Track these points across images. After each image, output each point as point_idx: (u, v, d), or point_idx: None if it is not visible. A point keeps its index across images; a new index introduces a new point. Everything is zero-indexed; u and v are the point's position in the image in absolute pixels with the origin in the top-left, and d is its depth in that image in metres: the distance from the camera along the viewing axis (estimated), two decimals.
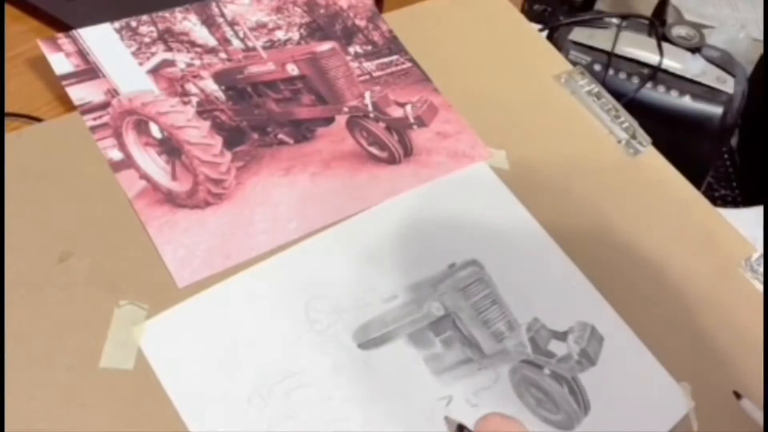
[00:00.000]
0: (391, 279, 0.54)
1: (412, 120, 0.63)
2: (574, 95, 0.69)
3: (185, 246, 0.51)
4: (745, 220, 0.82)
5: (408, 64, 0.67)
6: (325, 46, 0.64)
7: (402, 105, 0.64)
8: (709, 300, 0.60)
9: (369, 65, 0.65)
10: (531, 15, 1.07)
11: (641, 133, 0.68)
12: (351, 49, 0.66)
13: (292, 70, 0.62)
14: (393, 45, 0.68)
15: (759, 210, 0.86)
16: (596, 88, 0.70)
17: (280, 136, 0.59)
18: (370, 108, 0.62)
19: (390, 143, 0.61)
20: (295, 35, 0.65)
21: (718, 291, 0.60)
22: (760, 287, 0.61)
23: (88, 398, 0.45)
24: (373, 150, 0.60)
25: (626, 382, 0.54)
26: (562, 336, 0.54)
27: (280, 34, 0.65)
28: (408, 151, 0.61)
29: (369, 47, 0.67)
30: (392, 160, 0.60)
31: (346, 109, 0.62)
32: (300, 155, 0.58)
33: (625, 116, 0.68)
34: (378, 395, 0.49)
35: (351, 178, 0.58)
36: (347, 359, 0.50)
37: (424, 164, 0.61)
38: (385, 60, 0.66)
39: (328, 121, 0.61)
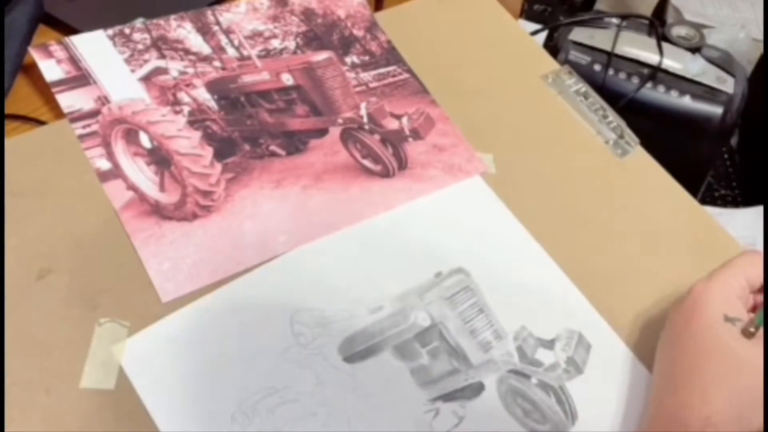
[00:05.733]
0: (377, 289, 0.53)
1: (407, 132, 0.62)
2: (561, 95, 0.68)
3: (171, 259, 0.50)
4: (745, 220, 0.83)
5: (405, 75, 0.66)
6: (322, 55, 0.63)
7: (398, 117, 0.63)
8: None
9: (366, 76, 0.65)
10: (531, 15, 1.06)
11: (629, 134, 0.67)
12: (348, 59, 0.65)
13: (287, 79, 0.61)
14: (391, 55, 0.67)
15: (759, 210, 0.85)
16: (584, 87, 0.69)
17: (272, 147, 0.58)
18: (365, 119, 0.61)
19: (384, 156, 0.60)
20: (291, 44, 0.64)
21: None
22: None
23: (69, 420, 0.44)
24: (367, 163, 0.59)
25: (614, 390, 0.52)
26: (549, 344, 0.53)
27: (275, 43, 0.64)
28: (402, 164, 0.60)
29: (366, 57, 0.66)
30: (386, 174, 0.59)
31: (340, 121, 0.61)
32: (292, 168, 0.57)
33: (613, 116, 0.67)
34: (364, 409, 0.48)
35: (343, 192, 0.57)
36: (332, 373, 0.49)
37: (418, 178, 0.60)
38: (383, 70, 0.66)
39: (322, 132, 0.60)
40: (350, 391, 0.49)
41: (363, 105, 0.62)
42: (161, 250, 0.50)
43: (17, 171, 0.52)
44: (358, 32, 0.67)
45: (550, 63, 0.72)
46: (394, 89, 0.65)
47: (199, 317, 0.49)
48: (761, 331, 0.47)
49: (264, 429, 0.46)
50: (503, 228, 0.59)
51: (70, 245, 0.50)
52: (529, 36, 0.77)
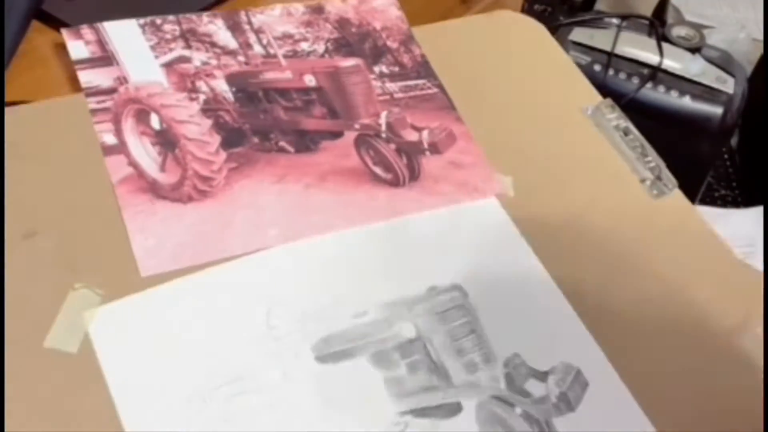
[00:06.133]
0: (364, 294, 0.51)
1: (426, 145, 0.60)
2: (598, 128, 0.65)
3: (157, 236, 0.50)
4: (745, 220, 0.83)
5: (434, 90, 0.65)
6: (350, 62, 0.63)
7: (418, 129, 0.61)
8: (719, 359, 0.54)
9: (392, 86, 0.64)
10: (531, 15, 1.05)
11: (667, 175, 0.63)
12: (376, 68, 0.64)
13: (310, 81, 0.61)
14: (423, 69, 0.66)
15: (759, 210, 0.84)
16: (624, 123, 0.66)
17: (282, 143, 0.58)
18: (383, 128, 0.60)
19: (397, 165, 0.58)
20: (320, 48, 0.64)
21: (731, 349, 0.54)
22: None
23: (24, 374, 0.44)
24: (377, 170, 0.58)
25: None
26: (542, 376, 0.50)
27: (304, 46, 0.64)
28: (414, 176, 0.58)
29: (396, 68, 0.65)
30: (396, 183, 0.58)
31: (357, 126, 0.60)
32: (298, 165, 0.57)
33: (652, 155, 0.64)
34: (327, 411, 0.46)
35: (347, 195, 0.56)
36: (300, 370, 0.47)
37: (429, 191, 0.58)
38: (411, 83, 0.64)
39: (336, 135, 0.60)
40: (316, 391, 0.46)
41: (384, 114, 0.61)
42: (149, 226, 0.50)
43: (23, 134, 0.53)
44: (392, 44, 0.67)
45: (592, 95, 0.69)
46: (420, 102, 0.63)
47: (175, 296, 0.48)
48: None
49: (218, 415, 0.44)
50: (512, 252, 0.56)
51: (62, 211, 0.50)
52: (575, 65, 0.75)
